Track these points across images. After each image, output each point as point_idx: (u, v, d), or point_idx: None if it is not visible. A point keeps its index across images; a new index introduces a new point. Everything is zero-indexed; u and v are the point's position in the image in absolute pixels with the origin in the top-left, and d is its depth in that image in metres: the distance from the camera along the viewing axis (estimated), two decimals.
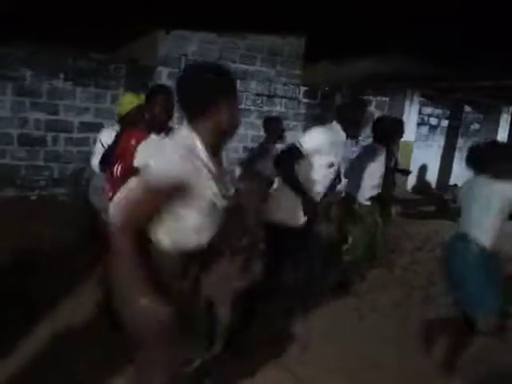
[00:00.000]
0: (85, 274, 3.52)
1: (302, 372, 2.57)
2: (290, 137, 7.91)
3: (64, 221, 4.61)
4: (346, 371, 2.65)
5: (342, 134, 2.76)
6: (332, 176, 2.76)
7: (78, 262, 3.71)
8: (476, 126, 10.85)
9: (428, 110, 9.90)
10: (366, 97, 8.66)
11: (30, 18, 6.37)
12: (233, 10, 5.66)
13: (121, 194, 2.26)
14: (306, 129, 8.02)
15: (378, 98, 8.77)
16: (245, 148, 7.50)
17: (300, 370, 2.59)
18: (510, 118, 10.45)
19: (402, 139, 6.52)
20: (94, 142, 6.14)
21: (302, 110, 8.02)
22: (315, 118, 8.09)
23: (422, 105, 9.39)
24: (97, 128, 6.25)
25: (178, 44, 6.64)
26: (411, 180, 9.16)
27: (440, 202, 7.87)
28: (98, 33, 6.35)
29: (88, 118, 6.25)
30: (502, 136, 10.31)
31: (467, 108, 10.56)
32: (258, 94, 7.52)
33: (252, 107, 7.50)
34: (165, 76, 6.61)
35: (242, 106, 7.39)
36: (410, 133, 7.25)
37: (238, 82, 7.24)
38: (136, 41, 6.66)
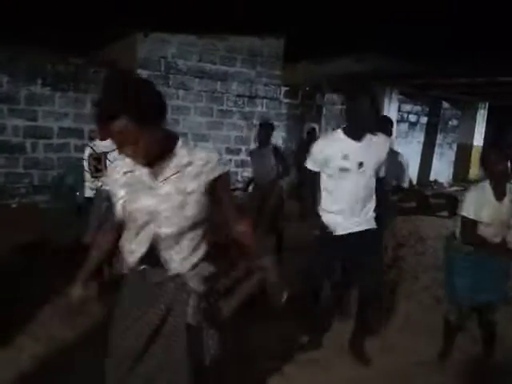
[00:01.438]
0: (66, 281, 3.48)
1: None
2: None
3: (45, 228, 4.55)
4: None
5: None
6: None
7: (60, 267, 3.67)
8: (454, 122, 11.08)
9: (407, 107, 10.06)
10: (346, 95, 8.78)
11: (6, 22, 6.26)
12: (212, 11, 5.66)
13: None
14: (287, 129, 8.08)
15: None
16: (227, 149, 7.51)
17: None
18: (486, 114, 10.70)
19: None
20: (75, 147, 6.15)
21: (284, 110, 8.06)
22: (297, 118, 8.15)
23: (401, 102, 9.54)
24: (77, 133, 6.20)
25: (157, 46, 6.61)
26: None
27: (421, 198, 8.00)
28: (76, 37, 6.29)
29: (67, 123, 6.17)
30: (479, 132, 10.56)
31: (445, 104, 10.78)
32: (239, 95, 7.54)
33: (234, 108, 7.51)
34: None
35: (224, 108, 7.40)
36: None
37: (219, 83, 7.26)
38: (114, 44, 6.61)
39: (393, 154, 3.82)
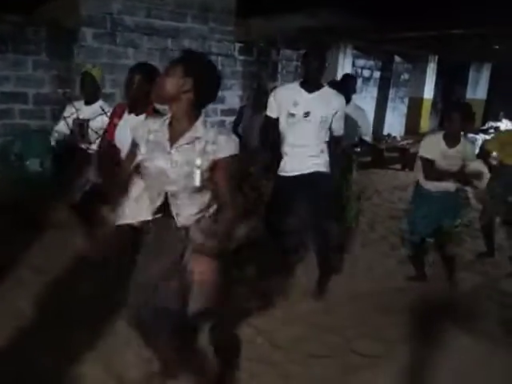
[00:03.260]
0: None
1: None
2: (228, 96, 7.84)
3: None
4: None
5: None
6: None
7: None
8: (406, 76, 11.29)
9: (361, 62, 10.13)
10: (301, 51, 8.69)
11: None
12: None
13: None
14: (243, 87, 7.95)
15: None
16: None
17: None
18: (435, 67, 10.97)
19: None
20: (20, 113, 5.79)
21: (239, 68, 7.89)
22: (252, 76, 8.01)
23: (355, 57, 9.58)
24: (21, 98, 5.81)
25: (101, 2, 6.19)
26: None
27: (376, 151, 8.23)
28: None
29: (9, 87, 5.74)
30: (429, 85, 10.83)
31: (397, 59, 10.93)
32: None
33: None
34: (90, 37, 6.18)
35: None
36: None
37: (170, 40, 6.96)
38: (55, 0, 6.13)
39: (356, 110, 4.01)
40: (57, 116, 6.05)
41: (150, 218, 1.77)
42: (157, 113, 2.44)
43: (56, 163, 4.76)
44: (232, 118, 7.66)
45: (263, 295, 3.00)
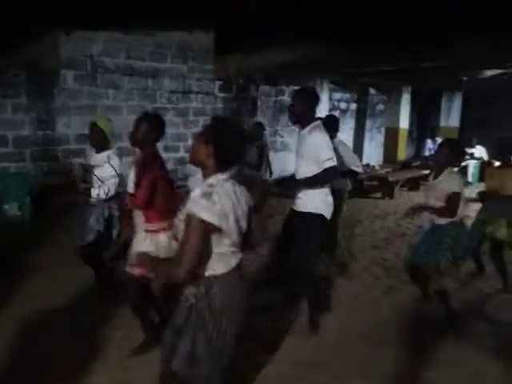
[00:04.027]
0: None
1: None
2: None
3: None
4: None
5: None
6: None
7: None
8: (381, 106, 11.66)
9: (337, 95, 10.43)
10: (279, 87, 8.93)
11: None
12: (136, 6, 5.48)
13: None
14: None
15: (291, 88, 9.06)
16: (165, 147, 7.37)
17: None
18: (409, 97, 11.36)
19: None
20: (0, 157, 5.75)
21: (219, 105, 8.05)
22: (233, 112, 8.17)
23: (331, 91, 9.87)
24: (0, 141, 5.78)
25: (81, 45, 6.31)
26: None
27: (355, 181, 8.34)
28: None
29: None
30: (404, 115, 11.18)
31: (372, 91, 11.30)
32: (172, 92, 7.41)
33: (168, 105, 7.38)
34: (71, 79, 6.27)
35: (158, 105, 7.25)
36: None
37: (150, 80, 7.09)
38: (34, 43, 6.21)
39: (341, 145, 4.24)
40: (37, 158, 6.07)
41: None
42: (158, 158, 2.68)
43: (34, 206, 4.72)
44: None
45: (250, 335, 2.96)
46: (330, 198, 3.06)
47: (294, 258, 3.02)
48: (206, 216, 1.65)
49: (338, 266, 4.42)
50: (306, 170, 2.97)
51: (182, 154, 7.50)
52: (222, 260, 1.77)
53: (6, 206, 5.20)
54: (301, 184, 3.02)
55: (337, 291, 3.88)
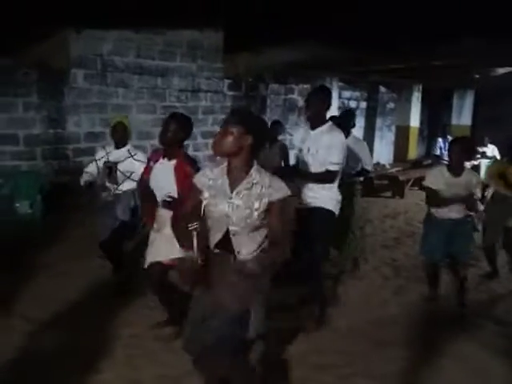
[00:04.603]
0: None
1: None
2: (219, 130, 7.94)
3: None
4: None
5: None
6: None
7: None
8: (391, 105, 11.56)
9: (347, 93, 10.36)
10: (288, 85, 8.90)
11: None
12: (146, 5, 5.49)
13: None
14: None
15: (300, 86, 9.03)
16: None
17: None
18: (420, 96, 11.25)
19: None
20: (11, 155, 5.81)
21: (228, 103, 8.04)
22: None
23: (341, 89, 9.81)
24: (11, 140, 5.84)
25: (91, 44, 6.35)
26: None
27: (366, 180, 8.29)
28: (1, 35, 5.88)
29: (0, 129, 5.78)
30: (414, 113, 11.07)
31: (382, 89, 11.21)
32: (181, 90, 7.42)
33: (177, 104, 7.39)
34: (81, 78, 6.31)
35: (167, 103, 7.27)
36: None
37: (160, 79, 7.11)
38: (44, 42, 6.26)
39: (356, 143, 4.26)
40: (47, 156, 6.13)
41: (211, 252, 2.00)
42: (188, 158, 2.80)
43: (45, 204, 4.77)
44: None
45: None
46: (339, 196, 3.12)
47: (307, 255, 3.02)
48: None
49: (351, 263, 4.41)
50: (319, 169, 3.04)
51: (190, 152, 7.51)
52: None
53: (18, 204, 5.26)
54: (301, 175, 3.10)
55: (346, 291, 3.86)
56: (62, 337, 2.94)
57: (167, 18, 6.28)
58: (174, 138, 2.71)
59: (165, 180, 2.71)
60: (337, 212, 3.11)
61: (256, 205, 1.87)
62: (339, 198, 3.13)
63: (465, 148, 3.27)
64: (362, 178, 4.57)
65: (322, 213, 3.04)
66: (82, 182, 3.62)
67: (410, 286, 4.03)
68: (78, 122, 6.33)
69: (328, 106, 3.12)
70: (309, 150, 3.08)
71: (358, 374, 2.64)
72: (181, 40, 7.27)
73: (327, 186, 3.06)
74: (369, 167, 4.47)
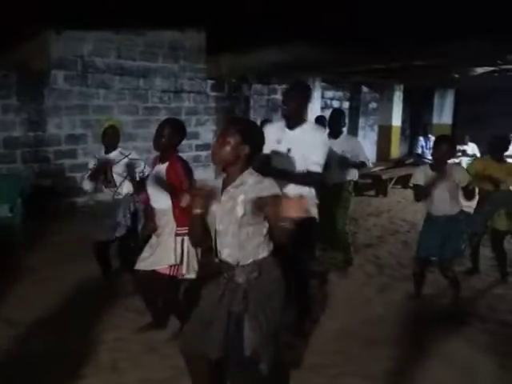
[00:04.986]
0: None
1: None
2: (202, 132, 7.92)
3: None
4: None
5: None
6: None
7: None
8: (374, 104, 11.68)
9: (329, 93, 10.43)
10: (271, 85, 8.91)
11: None
12: (127, 5, 5.44)
13: None
14: (217, 122, 8.06)
15: (283, 86, 9.05)
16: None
17: None
18: (402, 95, 11.39)
19: None
20: None
21: (212, 104, 8.03)
22: (225, 111, 8.15)
23: (323, 89, 9.87)
24: None
25: (71, 45, 6.26)
26: None
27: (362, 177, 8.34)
28: None
29: None
30: (396, 113, 11.20)
31: (364, 89, 11.31)
32: (164, 91, 7.38)
33: (159, 104, 7.35)
34: (61, 79, 6.22)
35: (149, 104, 7.21)
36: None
37: (141, 79, 7.06)
38: (24, 44, 6.15)
39: (349, 140, 4.49)
40: (28, 159, 6.02)
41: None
42: (180, 159, 2.77)
43: (26, 207, 4.68)
44: (206, 153, 7.73)
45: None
46: (316, 199, 2.92)
47: (294, 263, 2.83)
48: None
49: (343, 261, 4.47)
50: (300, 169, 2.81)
51: None
52: (268, 243, 1.94)
53: None
54: (281, 175, 2.69)
55: (331, 290, 3.88)
56: (46, 341, 2.89)
57: (148, 18, 6.24)
58: (167, 142, 2.72)
59: (158, 183, 2.76)
60: (317, 217, 2.90)
61: (241, 197, 1.86)
62: (316, 201, 2.92)
63: (448, 146, 3.33)
64: (356, 177, 4.56)
65: (306, 224, 2.84)
66: (85, 188, 3.61)
67: (394, 284, 4.08)
68: (58, 124, 6.24)
69: (308, 102, 2.92)
70: (289, 150, 2.81)
71: (348, 373, 2.65)
72: (162, 41, 7.23)
73: (307, 189, 2.79)
74: (365, 161, 4.50)
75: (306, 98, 2.92)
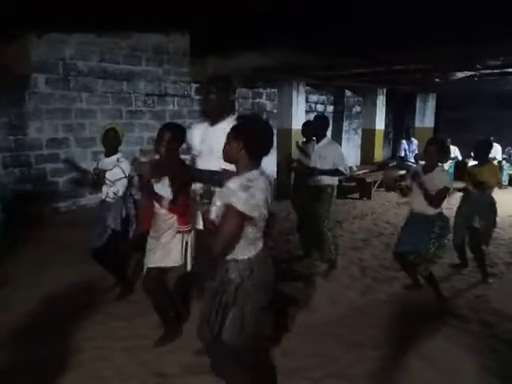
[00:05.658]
0: None
1: None
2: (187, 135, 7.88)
3: None
4: None
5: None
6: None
7: None
8: (357, 108, 11.79)
9: (314, 97, 10.50)
10: (256, 89, 8.94)
11: None
12: (110, 7, 5.40)
13: None
14: None
15: (268, 90, 9.09)
16: (142, 151, 7.30)
17: None
18: (384, 99, 11.52)
19: (295, 127, 7.95)
20: None
21: (196, 107, 8.01)
22: None
23: (308, 93, 9.93)
24: None
25: (53, 48, 6.18)
26: None
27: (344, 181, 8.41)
28: None
29: None
30: (380, 116, 11.32)
31: (348, 93, 11.42)
32: (148, 95, 7.34)
33: (144, 108, 7.31)
34: (42, 83, 6.13)
35: (133, 108, 7.16)
36: (300, 121, 7.61)
37: (125, 83, 7.00)
38: (4, 47, 6.06)
39: (329, 144, 4.41)
40: (8, 164, 5.91)
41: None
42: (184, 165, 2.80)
43: (7, 213, 4.60)
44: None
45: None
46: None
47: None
48: (244, 208, 1.83)
49: (327, 264, 4.49)
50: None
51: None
52: (253, 244, 1.99)
53: None
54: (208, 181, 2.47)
55: (314, 292, 3.90)
56: (26, 351, 2.83)
57: (132, 21, 6.20)
58: (168, 147, 2.77)
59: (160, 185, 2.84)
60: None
61: (219, 202, 1.94)
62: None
63: (439, 148, 3.49)
64: (337, 181, 4.57)
65: None
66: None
67: (377, 286, 4.11)
68: (40, 128, 6.15)
69: (228, 96, 2.71)
70: (211, 149, 2.55)
71: (331, 375, 2.66)
72: (146, 44, 7.20)
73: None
74: (341, 168, 4.28)
75: (228, 92, 2.72)
